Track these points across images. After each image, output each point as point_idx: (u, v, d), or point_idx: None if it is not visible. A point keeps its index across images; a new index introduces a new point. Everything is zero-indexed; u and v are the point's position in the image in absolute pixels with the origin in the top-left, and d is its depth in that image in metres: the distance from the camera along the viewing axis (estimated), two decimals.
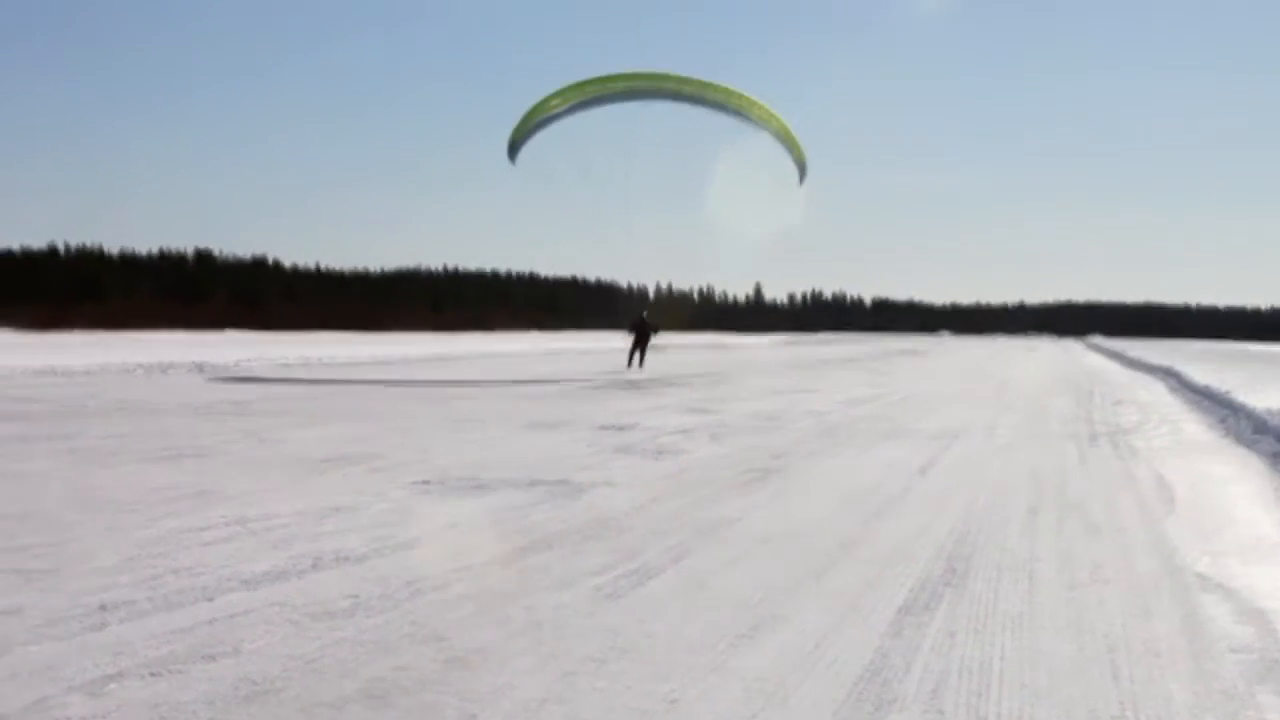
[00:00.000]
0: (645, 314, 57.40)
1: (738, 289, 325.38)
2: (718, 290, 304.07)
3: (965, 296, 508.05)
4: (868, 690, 8.00)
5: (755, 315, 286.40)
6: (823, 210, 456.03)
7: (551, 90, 45.02)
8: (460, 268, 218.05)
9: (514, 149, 46.27)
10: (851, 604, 10.44)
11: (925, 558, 12.56)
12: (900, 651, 8.96)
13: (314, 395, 35.77)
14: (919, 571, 11.87)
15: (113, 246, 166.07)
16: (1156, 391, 47.30)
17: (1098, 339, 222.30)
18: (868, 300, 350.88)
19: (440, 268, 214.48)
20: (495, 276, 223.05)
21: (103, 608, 9.61)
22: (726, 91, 44.72)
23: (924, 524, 14.67)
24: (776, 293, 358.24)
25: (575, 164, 44.01)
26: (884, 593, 10.91)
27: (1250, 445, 24.48)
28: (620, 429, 26.18)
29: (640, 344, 57.33)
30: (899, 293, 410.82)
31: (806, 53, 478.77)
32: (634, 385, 44.93)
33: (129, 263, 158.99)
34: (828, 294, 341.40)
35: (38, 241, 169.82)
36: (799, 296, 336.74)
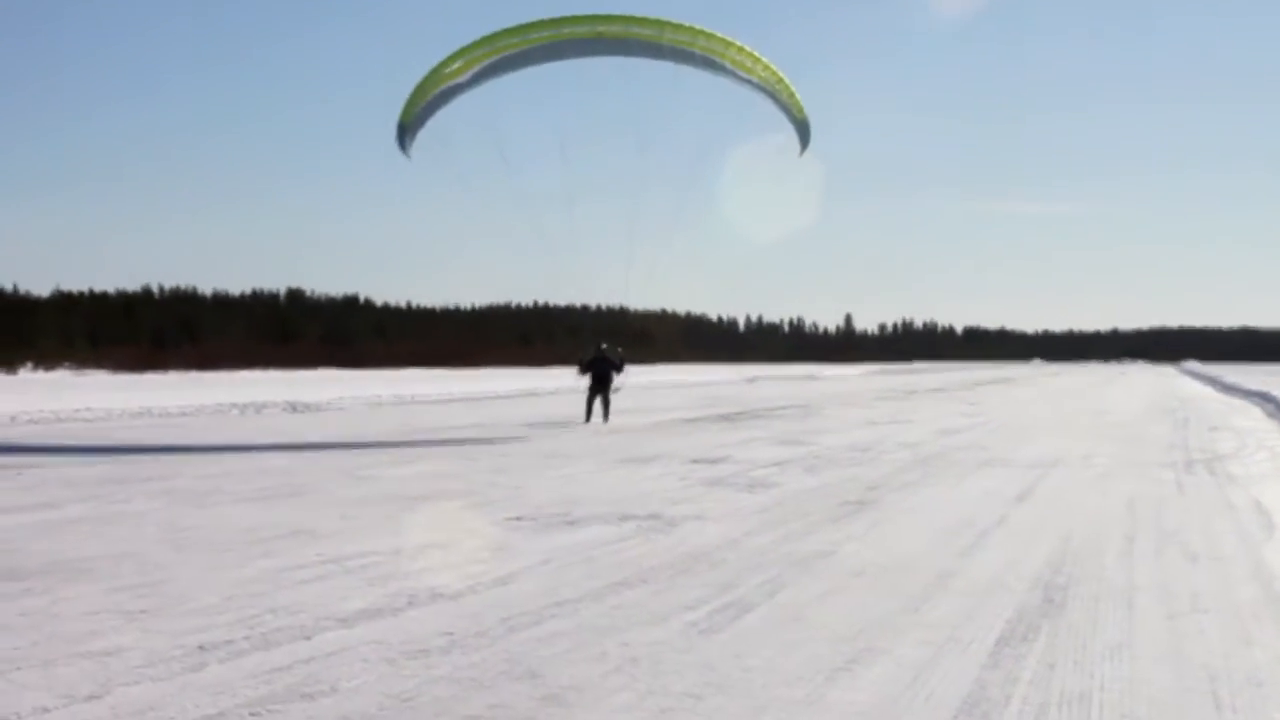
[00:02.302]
0: (604, 346, 41.56)
1: (828, 319, 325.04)
2: (808, 321, 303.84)
3: (1057, 323, 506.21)
4: None
5: (845, 345, 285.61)
6: (912, 239, 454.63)
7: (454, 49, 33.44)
8: (549, 303, 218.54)
9: (404, 133, 34.40)
10: (949, 636, 10.37)
11: (1022, 588, 12.46)
12: (999, 683, 8.89)
13: (403, 432, 35.91)
14: (1016, 602, 11.78)
15: (206, 287, 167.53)
16: (1254, 417, 46.84)
17: (1192, 364, 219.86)
18: (959, 328, 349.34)
19: (529, 303, 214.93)
20: (584, 310, 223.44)
21: (202, 648, 9.66)
22: (691, 34, 32.92)
23: (1020, 554, 14.57)
24: (866, 323, 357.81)
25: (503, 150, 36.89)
26: (981, 624, 10.83)
27: None
28: (712, 462, 26.15)
29: (600, 388, 41.51)
30: (990, 320, 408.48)
31: (894, 78, 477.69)
32: (726, 419, 44.89)
33: (222, 303, 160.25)
34: (919, 323, 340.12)
35: (133, 284, 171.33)
36: (890, 326, 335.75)
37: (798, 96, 34.24)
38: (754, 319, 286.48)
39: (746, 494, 20.35)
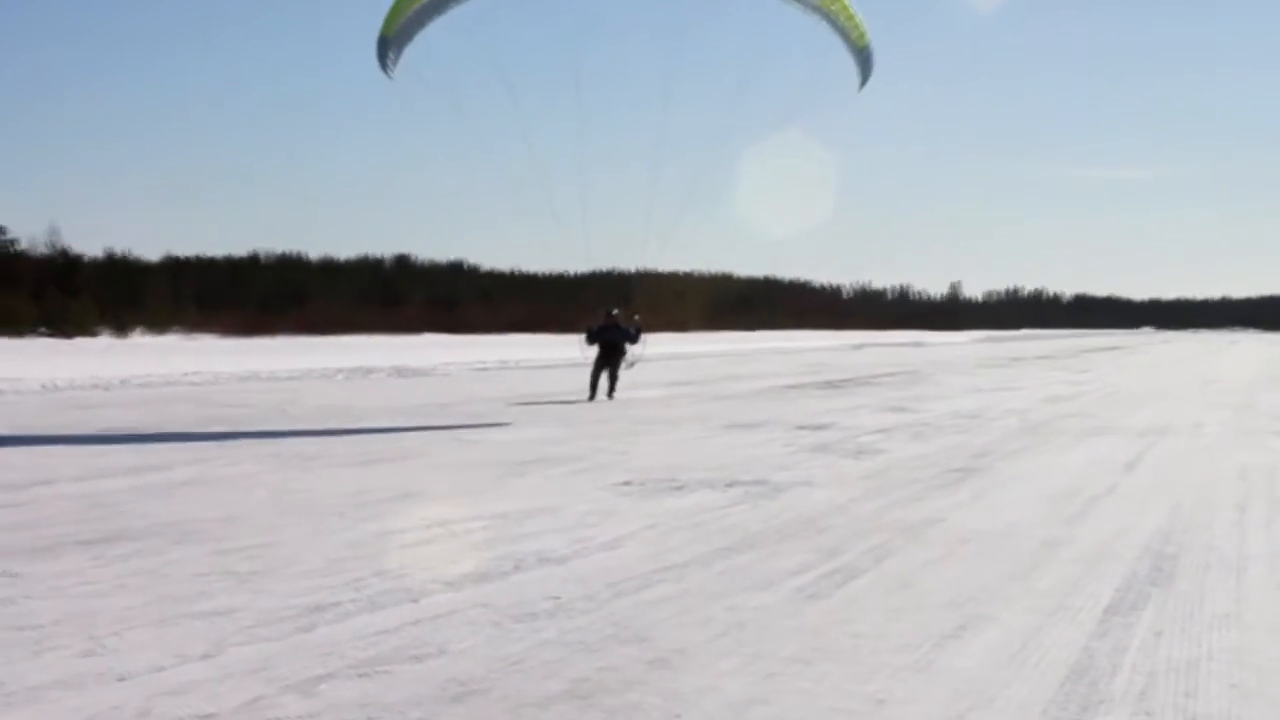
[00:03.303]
0: (615, 312, 36.35)
1: (933, 286, 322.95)
2: (915, 288, 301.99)
3: (1167, 291, 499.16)
4: (1075, 691, 7.88)
5: (951, 313, 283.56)
6: (1021, 205, 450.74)
7: None
8: (653, 268, 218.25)
9: (386, 48, 27.72)
10: (1057, 604, 10.30)
11: (1131, 556, 12.36)
12: (1107, 652, 8.82)
13: (508, 397, 36.05)
14: (1125, 570, 11.69)
15: (314, 253, 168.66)
16: None
17: None
18: (1067, 296, 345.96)
19: (633, 268, 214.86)
20: (688, 276, 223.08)
21: (311, 609, 9.74)
22: None
23: (1129, 522, 14.45)
24: (973, 290, 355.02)
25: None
26: (1090, 592, 10.75)
27: None
28: (817, 428, 26.11)
29: (609, 360, 36.30)
30: (1099, 288, 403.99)
31: (1006, 39, 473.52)
32: (830, 385, 44.78)
33: (329, 269, 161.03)
34: (1026, 290, 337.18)
35: (241, 250, 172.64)
36: (997, 293, 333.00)
37: (859, 19, 28.17)
38: (858, 286, 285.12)
39: (853, 460, 20.30)
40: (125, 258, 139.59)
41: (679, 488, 16.82)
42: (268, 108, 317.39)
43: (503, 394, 37.59)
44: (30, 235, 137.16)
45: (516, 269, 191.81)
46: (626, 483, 17.23)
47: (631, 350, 36.13)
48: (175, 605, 9.82)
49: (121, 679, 7.80)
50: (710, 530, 13.57)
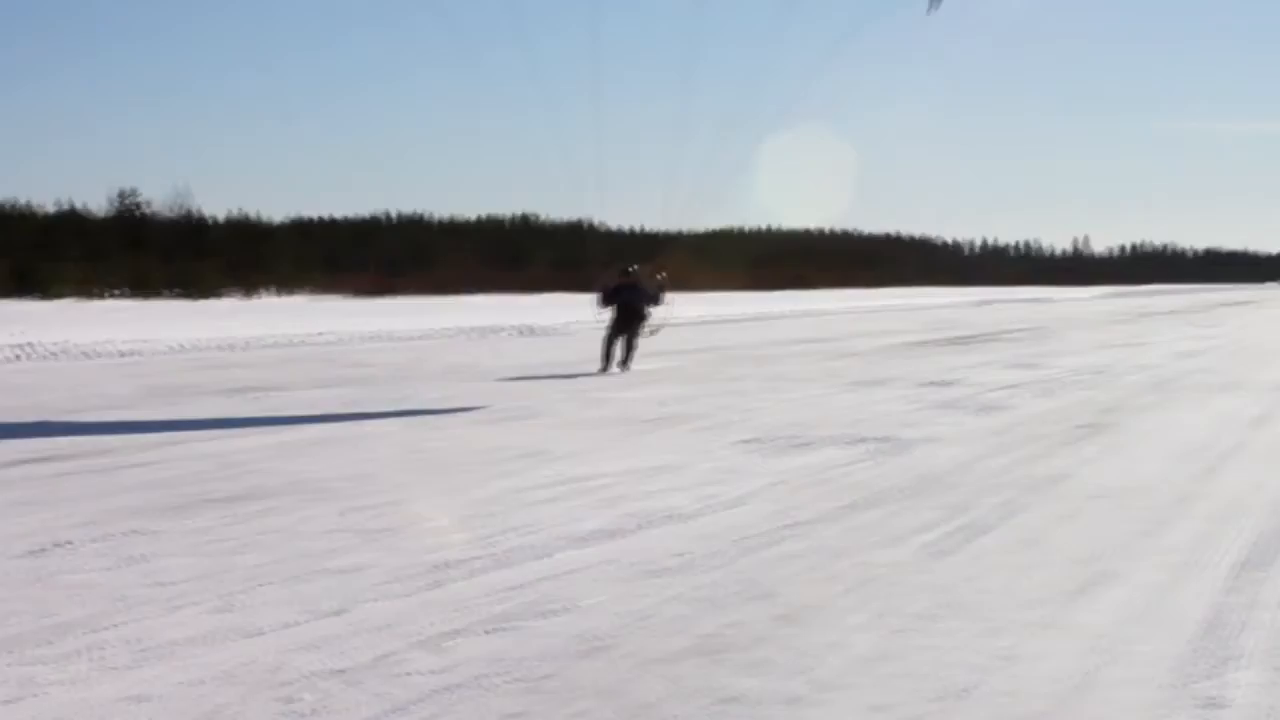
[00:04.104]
0: (633, 269, 31.79)
1: (1059, 242, 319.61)
2: (1043, 243, 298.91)
3: None
4: (1206, 647, 7.80)
5: (1078, 268, 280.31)
6: (1148, 159, 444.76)
7: None
8: (777, 226, 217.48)
9: None
10: (1187, 560, 10.20)
11: (1262, 512, 12.22)
12: (1238, 608, 8.72)
13: (634, 357, 36.11)
14: (1256, 526, 11.55)
15: (439, 213, 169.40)
16: None
17: None
18: (1197, 250, 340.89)
19: (759, 226, 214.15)
20: (812, 234, 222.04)
21: (440, 566, 9.82)
22: None
23: (1260, 478, 14.29)
24: (1100, 245, 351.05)
25: None
26: (1220, 548, 10.63)
27: None
28: (944, 385, 25.97)
29: (626, 325, 31.31)
30: (1230, 242, 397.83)
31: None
32: (956, 342, 44.52)
33: (454, 229, 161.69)
34: (1154, 245, 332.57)
35: (366, 211, 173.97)
36: (1124, 248, 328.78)
37: None
38: (983, 242, 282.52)
39: (979, 417, 20.19)
40: (253, 220, 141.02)
41: (805, 445, 16.79)
42: (391, 70, 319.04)
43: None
44: (160, 199, 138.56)
45: (639, 227, 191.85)
46: (752, 440, 17.23)
47: (654, 314, 31.21)
48: (306, 562, 9.94)
49: (254, 635, 7.90)
50: (837, 487, 13.54)
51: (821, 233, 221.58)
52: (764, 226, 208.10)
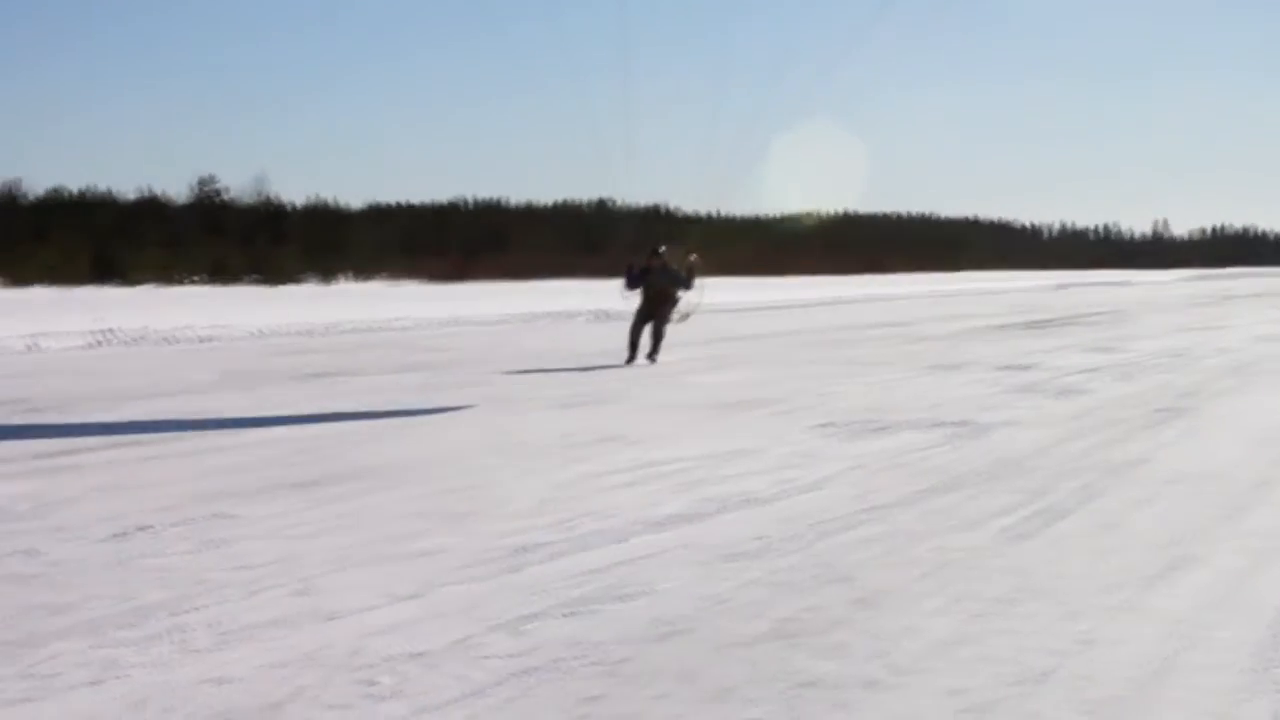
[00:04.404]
0: (662, 250, 29.13)
1: (1139, 225, 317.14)
2: (1123, 226, 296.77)
3: None
4: None
5: (1157, 251, 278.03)
6: (1230, 139, 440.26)
7: None
8: (857, 210, 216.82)
9: None
10: (1268, 545, 10.13)
11: None
12: None
13: (712, 340, 36.10)
14: None
15: (515, 199, 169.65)
16: None
17: None
18: (1278, 232, 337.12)
19: (837, 210, 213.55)
20: (890, 218, 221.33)
21: (519, 549, 9.85)
22: None
23: None
24: (1180, 228, 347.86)
25: None
26: None
27: None
28: (1022, 369, 25.86)
29: (653, 311, 28.64)
30: None
31: None
32: (1034, 326, 44.30)
33: (530, 214, 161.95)
34: (1235, 228, 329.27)
35: (444, 196, 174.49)
36: (1205, 231, 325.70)
37: None
38: (1062, 225, 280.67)
39: (1058, 401, 20.09)
40: (330, 206, 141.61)
41: (882, 429, 16.75)
42: (468, 56, 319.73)
43: (702, 336, 37.64)
44: (238, 185, 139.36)
45: (716, 213, 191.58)
46: (829, 424, 17.20)
47: (685, 298, 28.56)
48: (385, 546, 9.99)
49: (333, 618, 7.95)
50: (914, 471, 13.51)
51: (899, 217, 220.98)
52: (839, 210, 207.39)
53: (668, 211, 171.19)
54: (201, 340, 36.92)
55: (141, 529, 10.60)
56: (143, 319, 43.06)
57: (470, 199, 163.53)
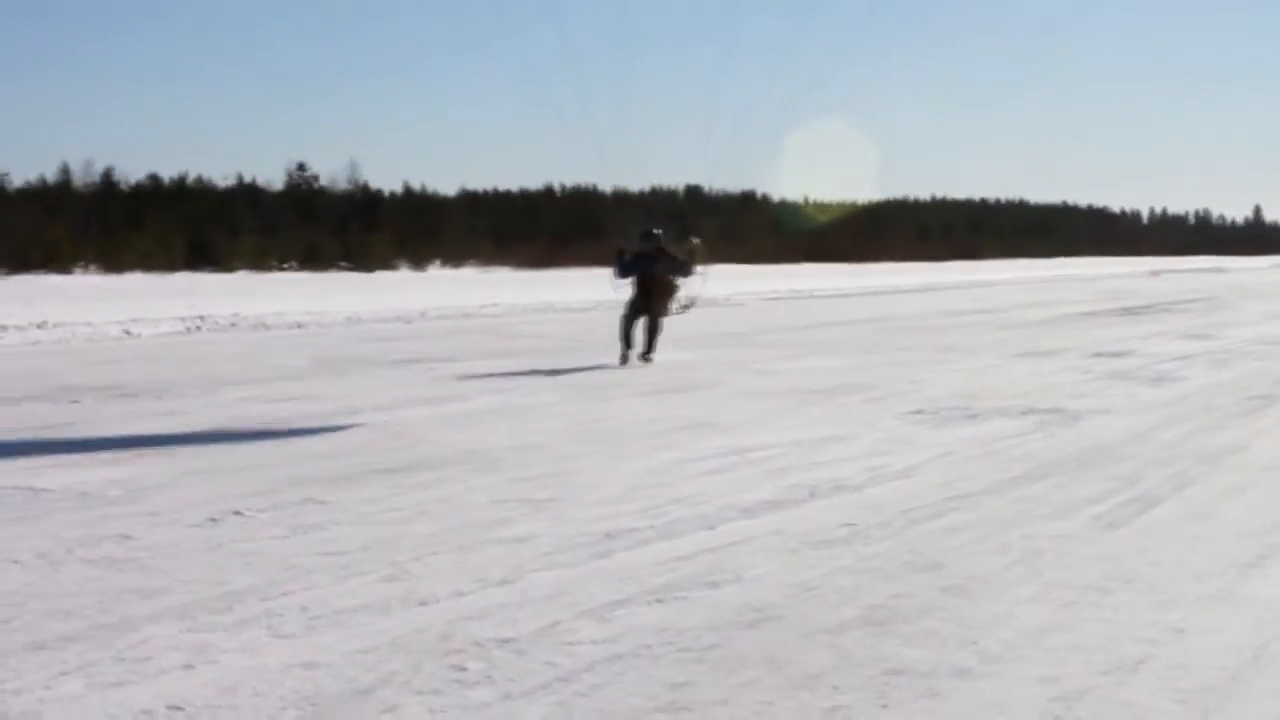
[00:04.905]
0: (657, 232, 25.75)
1: (1235, 211, 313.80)
2: (1214, 213, 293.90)
3: None
4: None
5: (1254, 238, 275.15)
6: None
7: None
8: (947, 196, 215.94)
9: None
10: None
11: None
12: None
13: (803, 327, 36.03)
14: None
15: (606, 185, 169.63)
16: None
17: None
18: None
19: (927, 197, 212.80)
20: (981, 204, 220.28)
21: (607, 536, 9.86)
22: None
23: None
24: (1277, 214, 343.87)
25: None
26: None
27: None
28: (1115, 356, 25.67)
29: (647, 302, 25.34)
30: None
31: None
32: (1128, 312, 43.96)
33: (622, 200, 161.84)
34: None
35: (535, 183, 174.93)
36: None
37: None
38: (1157, 211, 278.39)
39: (1151, 388, 19.93)
40: (423, 192, 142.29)
41: (973, 416, 16.67)
42: (559, 41, 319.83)
43: (792, 323, 37.60)
44: (332, 172, 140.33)
45: (805, 199, 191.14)
46: (920, 411, 17.13)
47: (685, 287, 25.56)
48: (475, 532, 10.02)
49: (423, 604, 7.98)
50: (1005, 458, 13.43)
51: (994, 202, 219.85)
52: (933, 196, 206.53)
53: (762, 196, 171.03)
54: (294, 327, 37.20)
55: (233, 514, 10.67)
56: (236, 305, 43.46)
57: (562, 185, 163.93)
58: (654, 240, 25.36)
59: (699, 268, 25.42)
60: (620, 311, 25.45)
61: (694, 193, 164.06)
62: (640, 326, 24.99)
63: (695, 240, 25.98)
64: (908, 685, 6.51)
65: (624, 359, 24.51)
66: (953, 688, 6.49)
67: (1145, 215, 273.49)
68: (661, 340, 24.75)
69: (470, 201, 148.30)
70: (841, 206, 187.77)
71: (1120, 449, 14.02)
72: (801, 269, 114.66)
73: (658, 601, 8.01)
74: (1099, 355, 25.85)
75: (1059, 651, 7.05)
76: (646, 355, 24.85)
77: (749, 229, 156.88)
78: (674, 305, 25.54)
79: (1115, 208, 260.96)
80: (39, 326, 34.00)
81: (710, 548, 9.46)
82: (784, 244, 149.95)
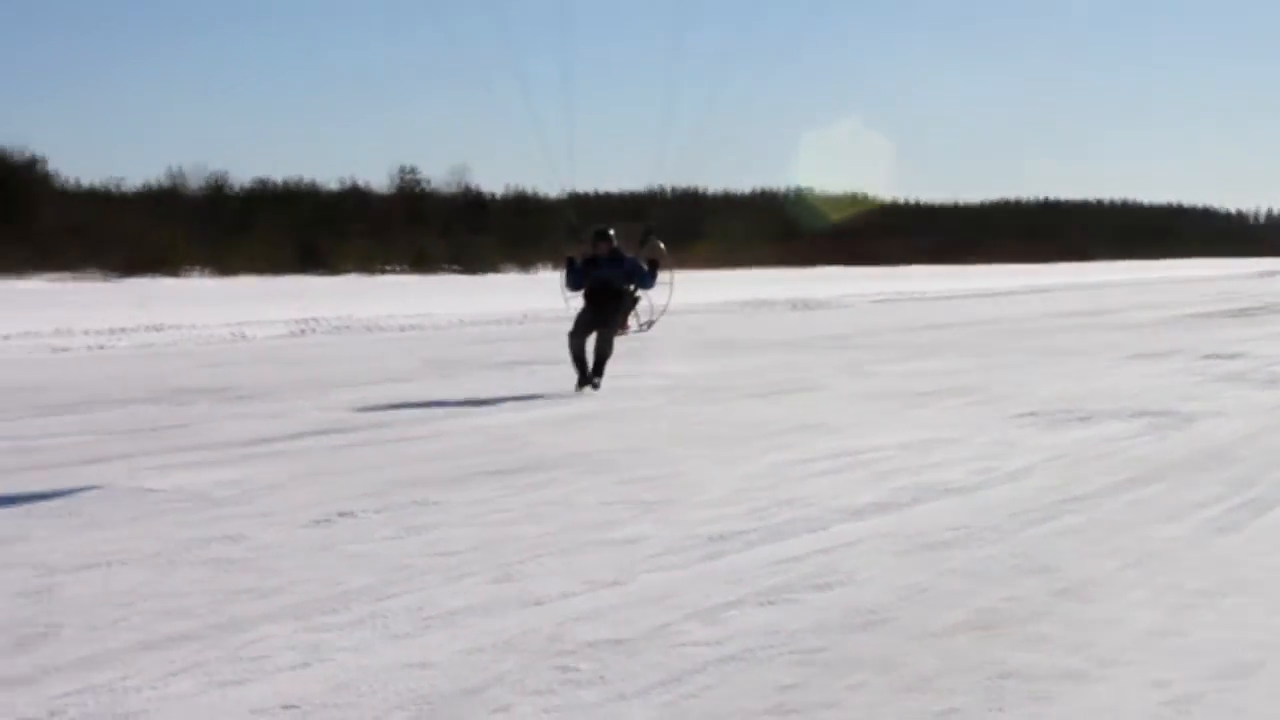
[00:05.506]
0: (610, 232, 20.89)
1: None
2: None
3: None
4: None
5: None
6: None
7: None
8: (1054, 197, 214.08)
9: None
10: None
11: None
12: None
13: (910, 329, 35.91)
14: None
15: (714, 188, 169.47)
16: None
17: None
18: None
19: (1034, 197, 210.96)
20: (1092, 205, 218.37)
21: (716, 538, 9.87)
22: None
23: None
24: None
25: None
26: None
27: None
28: (1228, 358, 25.42)
29: (599, 316, 20.47)
30: None
31: None
32: (1241, 314, 43.49)
33: (729, 202, 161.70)
34: None
35: (639, 185, 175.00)
36: None
37: None
38: (1269, 212, 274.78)
39: (1265, 390, 19.72)
40: (530, 195, 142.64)
41: (1083, 418, 16.55)
42: (663, 48, 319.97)
43: (901, 324, 37.46)
44: (439, 175, 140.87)
45: (914, 199, 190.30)
46: (1029, 413, 17.03)
47: (646, 298, 21.02)
48: (584, 533, 10.06)
49: (533, 604, 8.01)
50: (1117, 461, 13.34)
51: (1101, 204, 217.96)
52: (1043, 197, 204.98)
53: (864, 196, 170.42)
54: (402, 329, 37.43)
55: (344, 515, 10.77)
56: (345, 308, 43.78)
57: (667, 188, 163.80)
58: (608, 241, 20.72)
59: (663, 275, 20.85)
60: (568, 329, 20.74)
61: (801, 193, 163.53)
62: (591, 345, 20.28)
63: (660, 245, 21.27)
64: (1018, 689, 6.48)
65: (581, 383, 20.21)
66: (1065, 691, 6.45)
67: (1257, 216, 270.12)
68: (767, 342, 24.67)
69: (577, 204, 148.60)
70: (946, 207, 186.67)
71: (1233, 452, 13.89)
72: (911, 270, 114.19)
73: (768, 603, 8.01)
74: (1211, 357, 25.59)
75: (1172, 656, 7.00)
76: (594, 379, 20.20)
77: (858, 230, 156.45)
78: (632, 321, 21.11)
79: (1226, 208, 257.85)
80: (153, 329, 34.39)
81: (820, 550, 9.45)
82: (902, 245, 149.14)
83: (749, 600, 8.09)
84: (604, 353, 20.20)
